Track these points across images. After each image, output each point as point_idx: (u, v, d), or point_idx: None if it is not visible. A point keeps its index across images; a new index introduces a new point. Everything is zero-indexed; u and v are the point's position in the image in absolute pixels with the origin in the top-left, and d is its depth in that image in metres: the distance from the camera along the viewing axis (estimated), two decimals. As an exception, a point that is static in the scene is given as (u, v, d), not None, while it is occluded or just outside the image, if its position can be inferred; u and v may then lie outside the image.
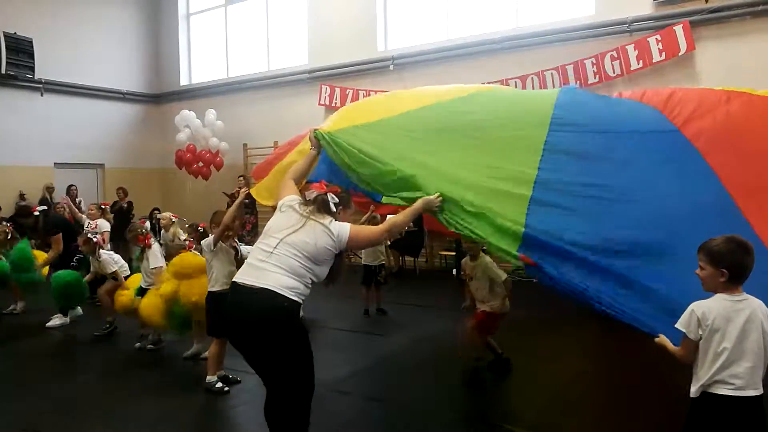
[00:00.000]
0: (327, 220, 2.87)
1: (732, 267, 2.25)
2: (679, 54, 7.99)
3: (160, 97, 14.33)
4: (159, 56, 14.44)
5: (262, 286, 2.69)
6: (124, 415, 3.97)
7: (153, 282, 5.31)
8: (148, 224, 6.14)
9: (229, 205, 6.54)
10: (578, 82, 8.68)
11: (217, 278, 4.28)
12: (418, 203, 3.05)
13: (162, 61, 14.43)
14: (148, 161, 13.95)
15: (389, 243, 8.75)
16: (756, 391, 2.22)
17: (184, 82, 14.19)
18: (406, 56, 10.48)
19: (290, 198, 3.00)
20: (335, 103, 10.94)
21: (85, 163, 12.87)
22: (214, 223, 4.38)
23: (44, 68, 11.66)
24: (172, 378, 4.79)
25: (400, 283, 8.85)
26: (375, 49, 10.93)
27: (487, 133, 3.63)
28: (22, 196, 11.12)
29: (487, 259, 4.53)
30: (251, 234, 9.78)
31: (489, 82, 9.19)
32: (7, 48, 11.01)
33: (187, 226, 5.36)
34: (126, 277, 5.89)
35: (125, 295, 5.54)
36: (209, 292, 4.34)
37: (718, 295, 2.29)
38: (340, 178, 3.59)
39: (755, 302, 2.27)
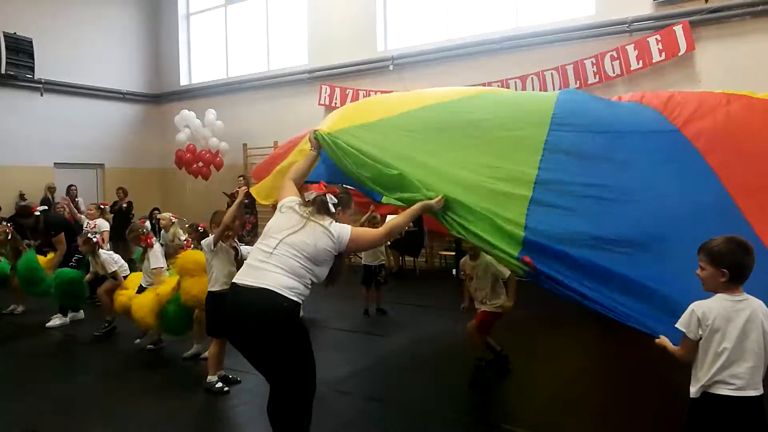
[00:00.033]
0: (327, 221, 2.87)
1: (732, 267, 2.25)
2: (679, 54, 7.99)
3: (160, 97, 14.33)
4: (159, 56, 14.45)
5: (261, 286, 2.69)
6: (124, 415, 3.97)
7: (153, 282, 5.32)
8: (148, 224, 6.15)
9: (229, 205, 6.53)
10: (578, 82, 8.68)
11: (217, 278, 4.28)
12: (417, 206, 3.05)
13: (162, 61, 14.43)
14: (148, 161, 13.95)
15: (389, 243, 8.75)
16: (756, 392, 2.22)
17: (184, 82, 14.19)
18: (406, 56, 10.48)
19: (290, 199, 3.00)
20: (335, 103, 10.94)
21: (85, 163, 12.87)
22: (214, 223, 4.38)
23: (44, 68, 11.66)
24: (172, 378, 4.79)
25: (400, 283, 8.85)
26: (375, 49, 10.93)
27: (487, 133, 3.63)
28: (22, 196, 11.11)
29: (488, 257, 4.51)
30: (251, 234, 9.78)
31: (489, 82, 9.23)
32: (7, 48, 11.01)
33: (187, 226, 5.37)
34: (125, 277, 5.89)
35: (124, 295, 5.55)
36: (209, 292, 4.33)
37: (718, 295, 2.29)
38: (339, 178, 3.59)
39: (755, 302, 2.27)
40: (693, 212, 3.10)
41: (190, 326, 5.09)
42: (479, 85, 9.18)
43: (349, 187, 4.18)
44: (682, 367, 2.39)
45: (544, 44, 9.08)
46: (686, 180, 3.35)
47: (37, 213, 6.52)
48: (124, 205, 11.02)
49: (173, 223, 7.15)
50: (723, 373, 2.22)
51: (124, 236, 6.90)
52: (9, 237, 6.90)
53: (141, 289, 5.37)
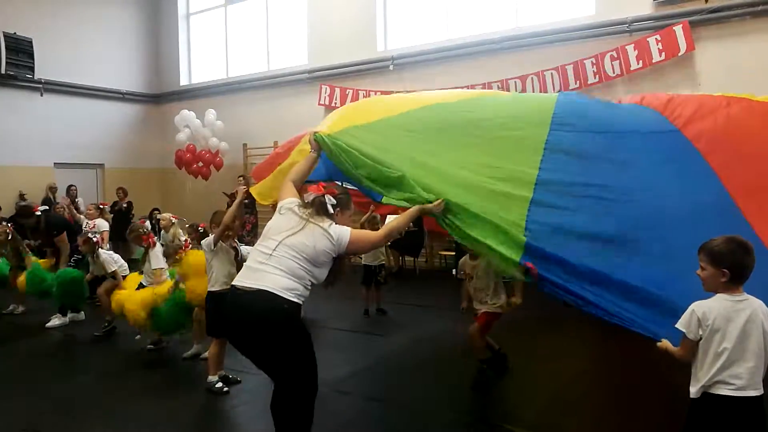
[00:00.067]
0: (326, 223, 2.87)
1: (733, 267, 2.25)
2: (679, 54, 7.99)
3: (160, 97, 14.33)
4: (159, 56, 14.44)
5: (261, 288, 2.69)
6: (124, 415, 3.97)
7: (153, 282, 5.32)
8: (148, 224, 6.15)
9: (229, 205, 6.53)
10: (578, 82, 8.69)
11: (217, 278, 4.28)
12: (416, 208, 3.05)
13: (162, 61, 14.42)
14: (148, 161, 13.94)
15: (389, 243, 8.74)
16: (756, 392, 2.22)
17: (184, 82, 14.19)
18: (406, 56, 10.48)
19: (289, 200, 3.00)
20: (335, 103, 10.93)
21: (85, 163, 12.86)
22: (214, 223, 4.38)
23: (44, 68, 11.66)
24: (172, 378, 4.79)
25: (400, 283, 8.84)
26: (375, 49, 10.93)
27: (488, 132, 3.63)
28: (22, 196, 11.11)
29: None
30: (251, 234, 9.78)
31: (489, 82, 9.24)
32: (6, 48, 11.01)
33: (187, 226, 5.36)
34: (124, 277, 5.89)
35: (121, 295, 5.54)
36: (209, 292, 4.34)
37: (718, 295, 2.29)
38: (340, 176, 3.59)
39: (756, 302, 2.27)
40: (693, 212, 3.10)
41: (181, 326, 5.14)
42: (479, 85, 9.24)
43: (349, 186, 4.18)
44: (682, 367, 2.39)
45: (544, 44, 9.08)
46: (686, 180, 3.35)
47: (38, 213, 6.52)
48: (124, 206, 11.02)
49: (173, 223, 7.13)
50: (723, 374, 2.22)
51: (124, 236, 6.90)
52: (9, 237, 6.90)
53: (141, 288, 5.37)
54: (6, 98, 11.45)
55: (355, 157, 3.25)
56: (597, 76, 8.57)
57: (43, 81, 11.84)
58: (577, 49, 8.74)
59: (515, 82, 9.15)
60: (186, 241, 5.16)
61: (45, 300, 6.58)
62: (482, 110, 3.97)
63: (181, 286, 5.12)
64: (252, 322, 2.73)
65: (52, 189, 11.57)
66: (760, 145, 3.55)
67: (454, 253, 9.55)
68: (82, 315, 6.62)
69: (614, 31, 8.57)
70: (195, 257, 4.80)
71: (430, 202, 3.02)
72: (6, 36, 11.00)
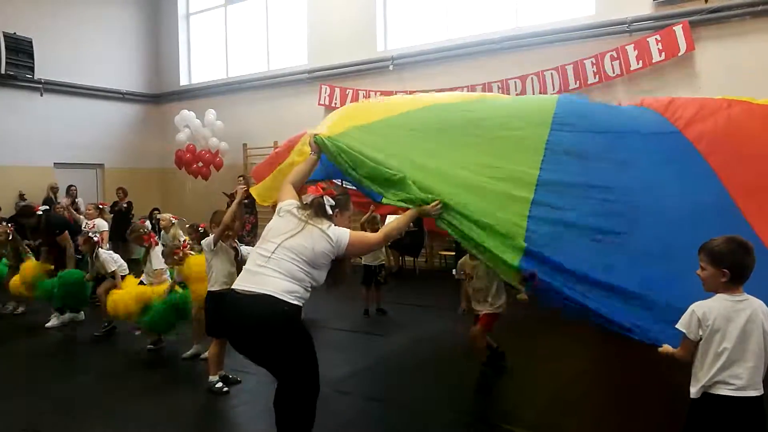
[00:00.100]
0: (325, 225, 2.87)
1: (733, 267, 2.25)
2: (679, 54, 7.99)
3: (160, 97, 14.32)
4: (159, 56, 14.44)
5: (262, 292, 2.69)
6: (124, 415, 3.97)
7: (154, 282, 5.33)
8: (148, 224, 6.15)
9: (229, 206, 6.53)
10: (578, 82, 8.69)
11: (217, 278, 4.28)
12: (414, 210, 3.05)
13: (162, 61, 14.42)
14: (148, 161, 13.94)
15: (389, 243, 8.74)
16: (757, 392, 2.22)
17: (183, 82, 14.18)
18: (406, 56, 10.48)
19: (288, 202, 3.00)
20: (335, 103, 10.93)
21: (85, 163, 12.86)
22: (214, 223, 4.38)
23: (44, 68, 11.65)
24: (172, 378, 4.79)
25: (400, 283, 8.84)
26: (375, 49, 10.93)
27: (488, 132, 3.62)
28: (21, 196, 11.11)
29: None
30: (251, 234, 9.77)
31: (489, 82, 9.25)
32: (6, 48, 11.00)
33: (187, 226, 5.37)
34: (123, 277, 5.88)
35: (117, 295, 5.54)
36: (209, 292, 4.34)
37: (718, 295, 2.29)
38: (338, 175, 3.58)
39: (756, 302, 2.27)
40: (693, 212, 3.10)
41: (172, 327, 5.18)
42: (479, 85, 9.25)
43: (349, 186, 4.18)
44: (682, 367, 2.39)
45: (544, 44, 9.08)
46: (687, 180, 3.35)
47: (40, 212, 6.52)
48: (124, 206, 11.01)
49: (173, 224, 7.14)
50: (723, 374, 2.22)
51: (124, 236, 6.90)
52: (10, 237, 6.90)
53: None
54: (6, 98, 11.45)
55: (355, 158, 3.24)
56: (597, 76, 8.57)
57: (43, 81, 11.84)
58: (577, 49, 8.74)
59: (515, 82, 9.15)
60: (184, 241, 5.16)
61: (45, 300, 6.58)
62: (482, 110, 3.97)
63: (177, 288, 5.14)
64: (253, 326, 2.73)
65: (54, 189, 11.56)
66: (760, 146, 3.55)
67: (454, 253, 9.55)
68: (81, 315, 6.62)
69: (614, 31, 8.57)
70: (197, 262, 4.80)
71: (427, 203, 3.02)
72: (6, 36, 11.00)
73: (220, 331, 4.14)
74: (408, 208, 3.09)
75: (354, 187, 4.01)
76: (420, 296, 7.93)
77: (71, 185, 11.65)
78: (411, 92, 9.55)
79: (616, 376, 4.73)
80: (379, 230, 3.24)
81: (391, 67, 10.59)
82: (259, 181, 4.86)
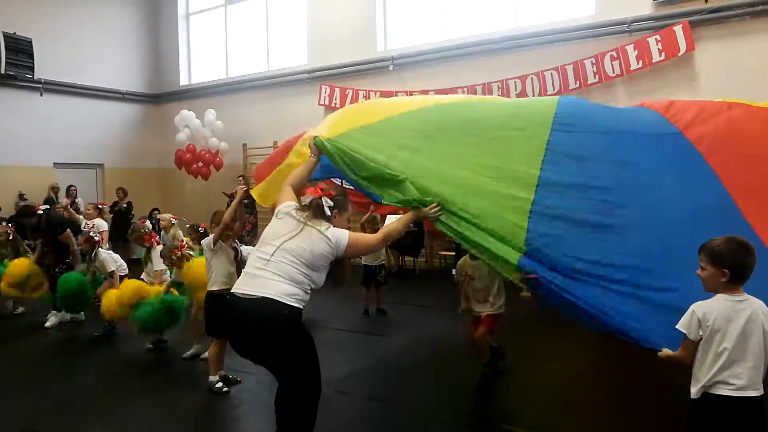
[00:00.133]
0: (324, 226, 2.87)
1: (733, 267, 2.25)
2: (679, 54, 7.99)
3: (160, 97, 14.32)
4: (159, 56, 14.43)
5: (262, 295, 2.69)
6: (124, 415, 3.97)
7: (155, 282, 5.33)
8: (148, 224, 6.15)
9: (229, 206, 6.53)
10: (578, 82, 8.69)
11: (216, 278, 4.28)
12: (412, 213, 3.05)
13: (162, 61, 14.42)
14: (148, 161, 13.94)
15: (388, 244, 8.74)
16: (757, 392, 2.22)
17: (183, 82, 14.18)
18: (406, 56, 10.47)
19: (287, 204, 3.00)
20: (335, 103, 10.93)
21: (85, 163, 12.85)
22: (214, 223, 4.39)
23: (44, 68, 11.65)
24: (172, 378, 4.79)
25: (400, 283, 8.84)
26: (375, 49, 10.92)
27: (488, 132, 3.62)
28: (21, 196, 11.11)
29: None
30: (251, 234, 9.77)
31: (489, 82, 9.26)
32: (6, 48, 11.00)
33: (187, 226, 5.37)
34: (122, 277, 5.88)
35: (113, 295, 5.54)
36: (208, 292, 4.33)
37: (718, 295, 2.29)
38: (337, 174, 3.57)
39: (756, 302, 2.27)
40: (693, 213, 3.10)
41: (161, 327, 5.21)
42: (479, 85, 9.26)
43: (348, 186, 4.17)
44: (682, 368, 2.39)
45: (544, 44, 9.08)
46: (687, 181, 3.35)
47: (40, 212, 6.52)
48: (124, 206, 11.02)
49: (173, 224, 7.15)
50: (723, 374, 2.22)
51: (124, 236, 6.89)
52: (10, 237, 6.90)
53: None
54: (6, 98, 11.44)
55: (355, 159, 3.24)
56: (597, 76, 8.57)
57: (42, 81, 11.83)
58: (577, 49, 8.73)
59: (515, 82, 9.15)
60: (182, 241, 5.16)
61: (45, 300, 6.58)
62: (482, 110, 3.97)
63: (173, 291, 5.14)
64: (254, 331, 2.73)
65: (54, 189, 11.56)
66: (760, 146, 3.56)
67: (454, 253, 9.55)
68: (81, 315, 6.61)
69: (614, 31, 8.56)
70: (197, 270, 4.80)
71: (426, 205, 3.01)
72: (6, 36, 10.99)
73: (219, 331, 4.14)
74: (408, 209, 3.09)
75: (352, 187, 4.01)
76: (420, 296, 7.93)
77: (71, 185, 11.65)
78: (411, 92, 9.58)
79: (616, 376, 4.73)
80: (379, 231, 3.24)
81: (391, 67, 10.59)
82: (259, 181, 4.86)
